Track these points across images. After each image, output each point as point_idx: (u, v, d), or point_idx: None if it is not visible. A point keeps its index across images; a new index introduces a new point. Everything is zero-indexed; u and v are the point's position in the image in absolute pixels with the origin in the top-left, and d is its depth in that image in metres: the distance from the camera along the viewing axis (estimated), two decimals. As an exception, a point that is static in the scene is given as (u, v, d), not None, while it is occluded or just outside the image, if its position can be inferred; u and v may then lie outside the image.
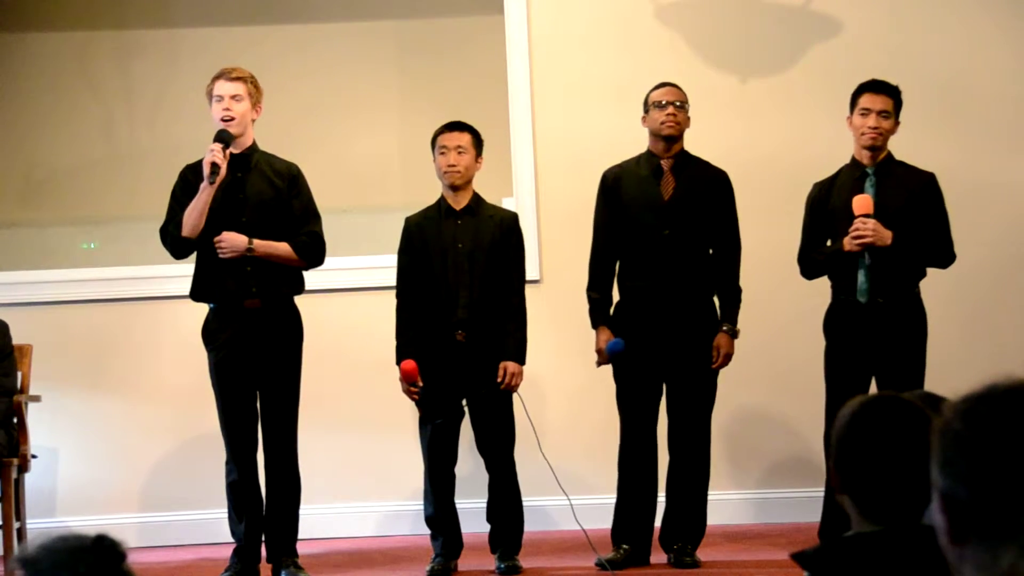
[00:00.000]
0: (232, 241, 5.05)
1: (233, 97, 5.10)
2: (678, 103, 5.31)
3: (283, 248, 5.12)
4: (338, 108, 6.98)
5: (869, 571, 1.93)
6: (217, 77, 5.14)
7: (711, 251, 5.39)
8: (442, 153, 5.32)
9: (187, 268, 6.33)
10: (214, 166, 4.98)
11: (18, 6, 7.07)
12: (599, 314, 5.31)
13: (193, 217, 5.04)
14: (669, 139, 5.30)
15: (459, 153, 5.30)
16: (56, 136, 6.99)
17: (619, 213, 5.34)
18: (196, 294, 5.22)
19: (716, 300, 5.40)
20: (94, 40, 7.04)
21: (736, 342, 6.21)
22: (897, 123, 5.29)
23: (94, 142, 7.04)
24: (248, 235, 5.08)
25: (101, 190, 7.00)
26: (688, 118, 5.35)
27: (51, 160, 7.02)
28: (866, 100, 5.24)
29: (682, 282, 5.22)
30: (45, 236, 7.00)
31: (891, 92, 5.27)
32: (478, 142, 5.36)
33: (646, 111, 5.37)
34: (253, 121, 5.19)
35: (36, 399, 6.07)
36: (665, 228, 5.26)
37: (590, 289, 5.36)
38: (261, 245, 5.07)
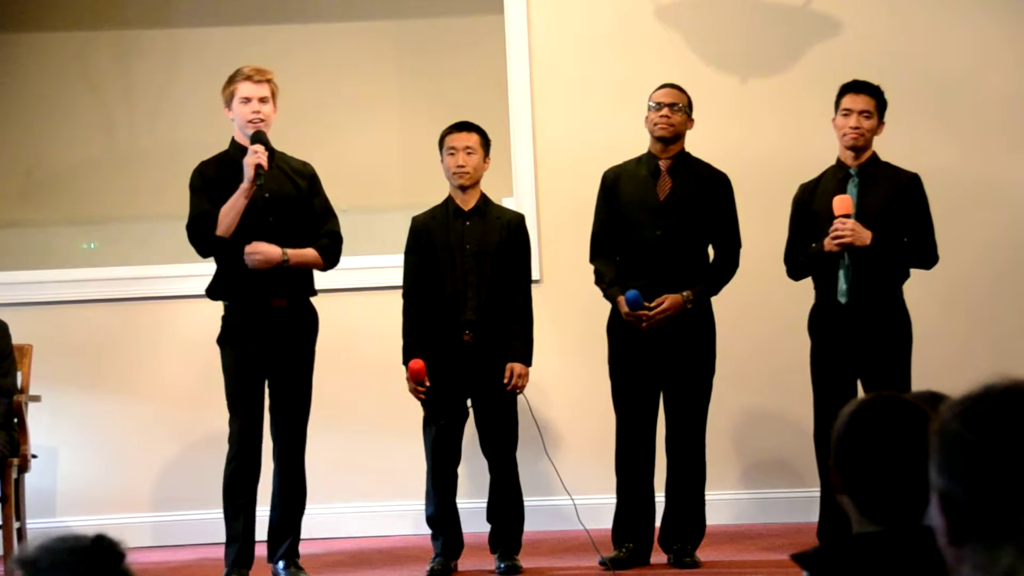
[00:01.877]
0: (266, 253, 5.01)
1: (261, 99, 5.10)
2: (675, 105, 5.31)
3: (311, 255, 5.12)
4: (338, 108, 6.97)
5: (870, 572, 1.92)
6: (244, 78, 5.11)
7: (711, 251, 5.39)
8: (451, 154, 5.32)
9: (187, 268, 6.35)
10: (259, 167, 4.95)
11: (18, 6, 7.07)
12: (612, 291, 5.28)
13: (230, 216, 5.00)
14: (663, 140, 5.31)
15: (468, 154, 5.31)
16: (56, 136, 6.99)
17: (616, 213, 5.35)
18: (216, 292, 5.16)
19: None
20: (94, 40, 7.03)
21: (736, 342, 6.21)
22: (881, 123, 5.29)
23: (94, 142, 7.04)
24: (274, 233, 5.05)
25: (101, 190, 6.99)
26: (687, 120, 5.34)
27: (51, 160, 7.02)
28: (848, 101, 5.26)
29: (677, 283, 5.22)
30: (45, 236, 7.00)
31: (873, 92, 5.27)
32: (486, 142, 5.36)
33: (648, 111, 5.37)
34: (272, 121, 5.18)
35: (36, 399, 6.07)
36: (658, 228, 5.26)
37: (598, 282, 5.36)
38: (295, 255, 5.06)
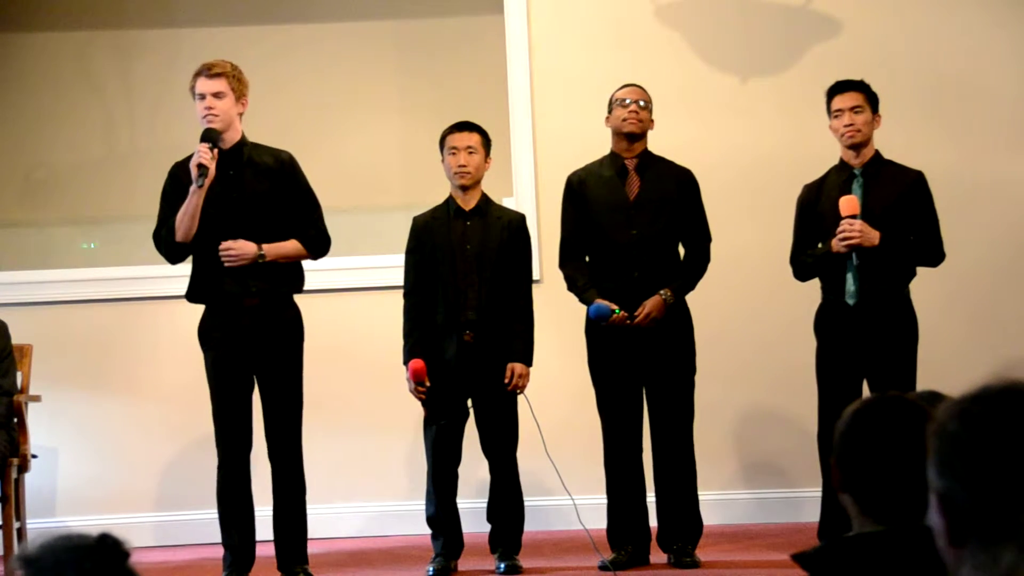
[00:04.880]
0: (241, 249, 4.92)
1: (215, 95, 4.95)
2: (641, 102, 5.31)
3: (292, 248, 5.01)
4: (338, 108, 6.98)
5: (870, 572, 1.92)
6: (198, 74, 5.00)
7: (681, 248, 5.38)
8: (452, 154, 5.31)
9: (187, 268, 6.35)
10: (201, 168, 4.84)
11: (18, 6, 7.07)
12: (588, 295, 5.26)
13: (185, 222, 4.91)
14: (631, 137, 5.31)
15: (469, 153, 5.30)
16: (56, 136, 6.99)
17: (585, 215, 5.34)
18: (193, 295, 5.10)
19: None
20: (94, 40, 7.04)
21: (737, 343, 6.22)
22: (876, 115, 5.27)
23: (94, 142, 7.04)
24: (247, 232, 4.96)
25: (101, 190, 6.99)
26: (651, 119, 5.34)
27: (51, 160, 7.02)
28: (837, 102, 5.27)
29: (652, 282, 5.21)
30: (45, 236, 7.00)
31: (858, 87, 5.27)
32: (487, 142, 5.36)
33: (610, 111, 5.38)
34: (240, 115, 5.04)
35: (36, 399, 6.07)
36: (632, 228, 5.25)
37: (571, 288, 5.35)
38: (271, 250, 4.95)
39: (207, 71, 4.97)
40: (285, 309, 5.06)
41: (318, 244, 5.09)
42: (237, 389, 5.00)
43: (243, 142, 5.06)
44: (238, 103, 5.01)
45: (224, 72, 4.98)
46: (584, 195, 5.36)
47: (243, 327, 4.97)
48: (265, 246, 4.95)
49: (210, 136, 4.91)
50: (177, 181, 5.02)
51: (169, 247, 5.00)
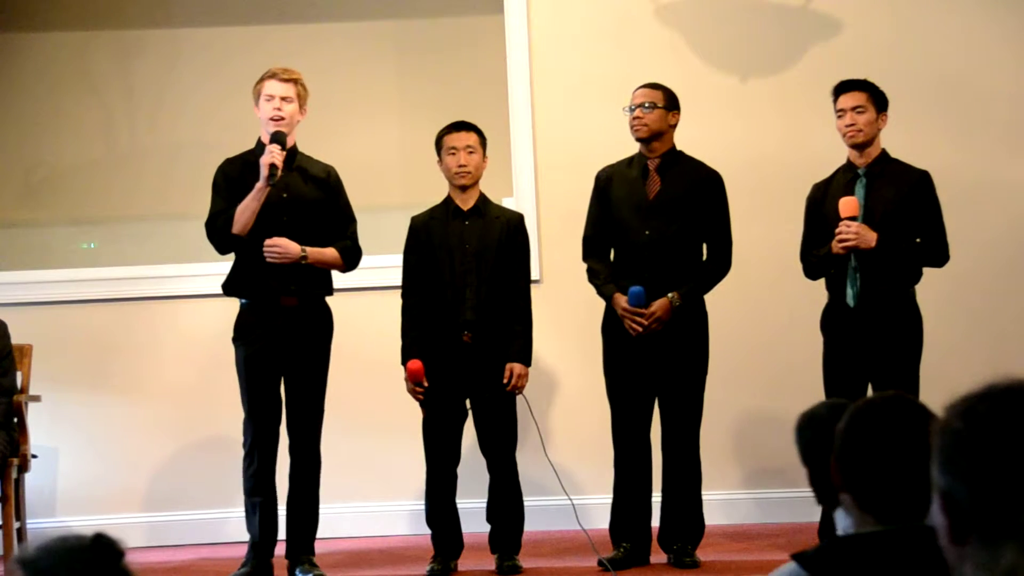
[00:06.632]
0: (286, 248, 5.07)
1: (284, 98, 5.13)
2: (646, 104, 5.30)
3: (331, 255, 5.18)
4: (338, 108, 6.97)
5: (870, 571, 1.92)
6: (268, 77, 5.16)
7: (704, 250, 5.38)
8: (451, 154, 5.32)
9: (187, 268, 6.36)
10: (273, 167, 5.01)
11: (18, 6, 7.07)
12: (607, 288, 5.29)
13: (246, 216, 5.06)
14: (642, 141, 5.32)
15: (469, 153, 5.32)
16: (56, 136, 6.99)
17: (608, 214, 5.35)
18: (231, 288, 5.21)
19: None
20: (94, 40, 7.03)
21: (736, 342, 6.21)
22: (880, 115, 5.26)
23: (94, 142, 7.04)
24: (289, 233, 5.10)
25: (101, 190, 6.99)
26: (667, 115, 5.31)
27: (51, 160, 7.02)
28: (840, 102, 5.28)
29: (669, 284, 5.21)
30: (45, 236, 7.00)
31: (862, 87, 5.27)
32: (483, 141, 5.38)
33: None
34: (298, 122, 5.22)
35: (36, 399, 6.07)
36: (646, 229, 5.25)
37: (592, 279, 5.36)
38: (313, 253, 5.12)
39: (279, 75, 5.16)
40: (319, 311, 5.22)
41: (352, 256, 5.26)
42: (268, 384, 5.14)
43: (295, 149, 5.23)
44: (300, 111, 5.19)
45: (295, 79, 5.17)
46: (608, 193, 5.37)
47: (278, 325, 5.11)
48: (308, 249, 5.11)
49: (279, 138, 5.09)
50: (228, 177, 5.19)
51: (224, 237, 5.13)
